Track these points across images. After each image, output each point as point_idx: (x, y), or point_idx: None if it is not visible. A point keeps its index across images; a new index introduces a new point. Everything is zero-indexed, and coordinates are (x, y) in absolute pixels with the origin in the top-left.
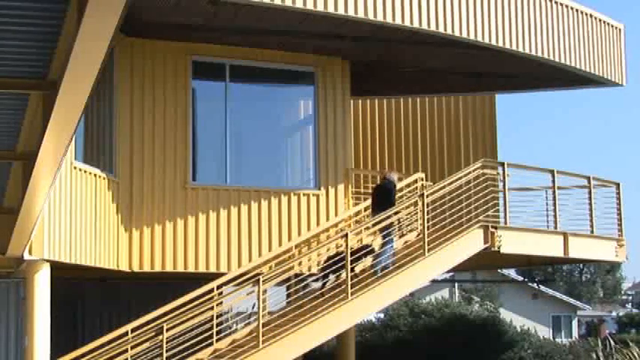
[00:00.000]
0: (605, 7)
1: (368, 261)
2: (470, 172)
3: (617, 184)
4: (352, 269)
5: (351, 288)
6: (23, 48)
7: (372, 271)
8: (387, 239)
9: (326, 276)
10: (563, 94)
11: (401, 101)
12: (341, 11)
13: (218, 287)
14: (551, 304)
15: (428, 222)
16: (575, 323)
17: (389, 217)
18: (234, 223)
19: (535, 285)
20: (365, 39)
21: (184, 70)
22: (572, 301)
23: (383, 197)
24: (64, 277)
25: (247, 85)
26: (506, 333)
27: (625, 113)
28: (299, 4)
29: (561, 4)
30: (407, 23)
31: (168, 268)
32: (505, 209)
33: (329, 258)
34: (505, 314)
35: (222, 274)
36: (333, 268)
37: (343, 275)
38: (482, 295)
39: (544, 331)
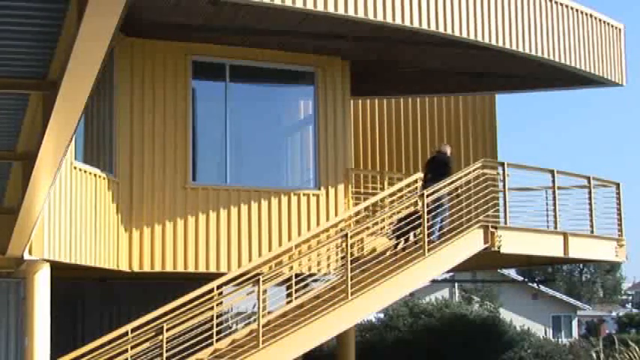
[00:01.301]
0: (605, 7)
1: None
2: (470, 172)
3: (617, 184)
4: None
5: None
6: (23, 48)
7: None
8: (445, 207)
9: (399, 237)
10: (563, 94)
11: (401, 101)
12: (341, 11)
13: (218, 287)
14: (551, 304)
15: (428, 222)
16: (575, 323)
17: (444, 187)
18: (234, 223)
19: (535, 285)
20: (365, 39)
21: (184, 70)
22: (572, 301)
23: (437, 169)
24: (64, 277)
25: (247, 85)
26: (506, 333)
27: (625, 113)
28: (299, 4)
29: (561, 4)
30: (407, 23)
31: (168, 268)
32: (505, 209)
33: (399, 220)
34: (505, 314)
35: (222, 274)
36: (408, 227)
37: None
38: (482, 295)
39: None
